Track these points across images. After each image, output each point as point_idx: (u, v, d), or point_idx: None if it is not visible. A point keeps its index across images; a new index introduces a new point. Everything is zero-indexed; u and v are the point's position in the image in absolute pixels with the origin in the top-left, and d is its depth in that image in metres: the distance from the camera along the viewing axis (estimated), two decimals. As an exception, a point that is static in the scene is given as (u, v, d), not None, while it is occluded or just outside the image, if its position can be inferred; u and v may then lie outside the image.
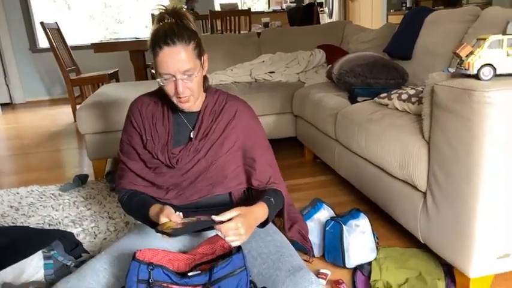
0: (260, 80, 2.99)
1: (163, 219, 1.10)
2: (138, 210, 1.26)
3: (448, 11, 2.24)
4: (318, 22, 5.21)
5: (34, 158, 3.14)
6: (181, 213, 1.13)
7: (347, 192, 2.16)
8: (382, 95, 1.85)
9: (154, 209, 1.19)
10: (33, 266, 1.38)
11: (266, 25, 5.15)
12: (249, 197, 1.39)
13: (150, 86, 2.95)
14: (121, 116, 2.44)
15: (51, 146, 3.46)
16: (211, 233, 1.29)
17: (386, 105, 1.80)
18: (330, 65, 2.70)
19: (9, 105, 5.70)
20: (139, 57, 4.10)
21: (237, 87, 2.81)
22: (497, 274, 1.25)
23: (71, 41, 4.87)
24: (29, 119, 4.76)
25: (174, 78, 1.18)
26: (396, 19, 5.27)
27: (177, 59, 1.16)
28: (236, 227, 1.07)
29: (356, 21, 6.22)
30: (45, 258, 1.42)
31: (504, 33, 1.72)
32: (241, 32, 4.36)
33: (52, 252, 1.43)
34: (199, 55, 1.23)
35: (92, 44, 4.02)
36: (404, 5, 5.57)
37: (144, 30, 6.68)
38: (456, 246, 1.23)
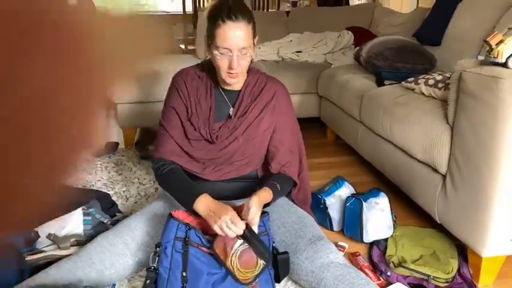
0: (287, 59, 3.03)
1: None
2: (181, 190, 1.30)
3: (481, -2, 2.23)
4: (347, 3, 5.16)
5: (66, 124, 3.28)
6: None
7: (368, 173, 2.22)
8: (409, 79, 1.88)
9: (204, 202, 1.22)
10: (74, 221, 1.51)
11: (294, 4, 5.13)
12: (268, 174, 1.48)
13: (179, 59, 3.03)
14: (152, 88, 2.53)
15: (81, 114, 3.59)
16: (237, 201, 1.39)
17: (413, 89, 1.83)
18: (357, 47, 2.72)
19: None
20: (169, 31, 4.17)
21: (264, 65, 2.86)
22: (509, 256, 1.32)
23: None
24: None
25: (231, 54, 1.24)
26: (427, 2, 5.17)
27: (238, 35, 1.22)
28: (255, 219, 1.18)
29: (385, 4, 6.11)
30: (85, 214, 1.54)
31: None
32: (270, 10, 4.37)
33: (91, 210, 1.55)
34: (254, 36, 1.30)
35: (122, 16, 4.10)
36: (436, -12, 5.44)
37: (169, 4, 6.71)
38: (471, 226, 1.29)
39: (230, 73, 1.27)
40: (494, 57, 1.19)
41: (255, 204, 1.17)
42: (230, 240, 1.16)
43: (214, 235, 1.18)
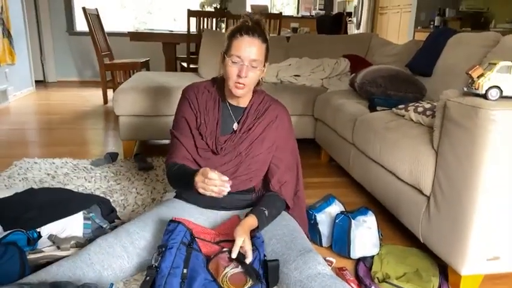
0: (285, 82, 3.14)
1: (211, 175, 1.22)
2: (184, 176, 1.37)
3: (470, 35, 2.37)
4: (346, 32, 5.34)
5: (65, 133, 3.36)
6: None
7: (358, 194, 2.30)
8: (400, 106, 1.99)
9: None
10: (75, 224, 1.57)
11: (295, 30, 5.31)
12: (264, 189, 1.56)
13: (180, 77, 3.14)
14: (154, 102, 2.62)
15: (81, 124, 3.67)
16: (232, 212, 1.47)
17: (403, 116, 1.94)
18: (353, 74, 2.85)
19: (42, 83, 5.97)
20: (171, 49, 4.30)
21: (263, 86, 2.97)
22: (487, 275, 1.39)
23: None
24: (60, 97, 5.01)
25: (242, 63, 1.35)
26: (422, 36, 5.35)
27: (252, 48, 1.35)
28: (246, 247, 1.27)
29: (383, 35, 6.33)
30: (85, 218, 1.60)
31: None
32: (271, 34, 4.53)
33: (91, 214, 1.61)
34: (266, 58, 1.42)
35: (128, 32, 4.24)
36: (432, 23, 5.66)
37: (172, 23, 6.89)
38: (452, 245, 1.37)
39: (238, 83, 1.37)
40: (475, 88, 1.30)
41: (238, 234, 1.28)
42: (223, 261, 1.25)
43: (209, 257, 1.28)
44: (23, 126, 3.57)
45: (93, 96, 5.04)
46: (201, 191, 1.25)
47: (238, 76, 1.36)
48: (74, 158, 2.67)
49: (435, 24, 5.58)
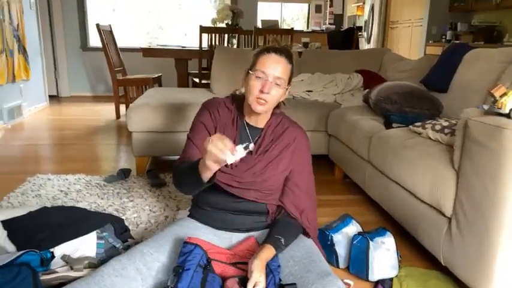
0: (298, 98, 3.13)
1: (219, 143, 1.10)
2: (189, 166, 1.28)
3: (487, 50, 2.34)
4: (357, 47, 5.34)
5: (79, 149, 3.38)
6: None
7: (374, 212, 2.25)
8: (416, 124, 1.96)
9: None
10: (88, 244, 1.55)
11: (306, 45, 5.32)
12: (279, 213, 1.52)
13: (193, 93, 3.15)
14: (168, 118, 2.62)
15: (93, 140, 3.69)
16: (244, 234, 1.45)
17: (420, 133, 1.90)
18: (367, 90, 2.82)
19: (55, 98, 6.05)
20: (184, 65, 4.33)
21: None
22: (513, 301, 1.34)
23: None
24: (74, 112, 5.05)
25: (266, 79, 1.34)
26: (434, 50, 5.35)
27: (277, 65, 1.35)
28: (261, 281, 1.21)
29: (394, 49, 6.31)
30: (98, 238, 1.58)
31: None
32: (282, 49, 4.53)
33: (104, 234, 1.60)
34: (289, 80, 1.41)
35: (140, 48, 4.29)
36: (444, 37, 5.63)
37: (183, 38, 6.96)
38: (477, 271, 1.32)
39: (259, 98, 1.35)
40: (498, 108, 1.26)
41: (256, 268, 1.22)
42: (234, 285, 1.22)
43: (225, 278, 1.26)
44: (36, 142, 3.60)
45: (106, 111, 5.08)
46: (208, 147, 1.11)
47: (261, 91, 1.35)
48: (87, 174, 2.67)
49: (447, 38, 5.55)
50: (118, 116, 4.65)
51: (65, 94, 6.25)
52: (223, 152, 1.10)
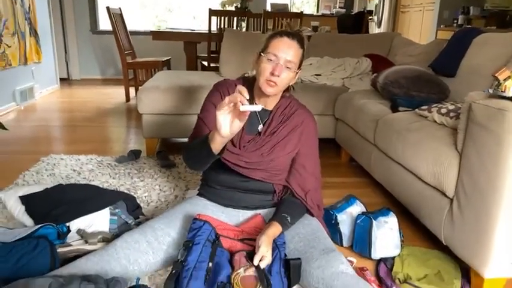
0: (306, 81, 3.15)
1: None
2: (200, 141, 1.31)
3: (496, 35, 2.33)
4: (367, 31, 5.30)
5: (89, 131, 3.45)
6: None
7: (379, 195, 2.30)
8: (423, 107, 1.98)
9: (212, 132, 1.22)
10: (101, 219, 1.62)
11: (315, 29, 5.29)
12: (285, 193, 1.57)
13: (202, 76, 3.18)
14: (177, 101, 2.67)
15: (104, 122, 3.76)
16: (252, 211, 1.50)
17: (426, 117, 1.93)
18: (375, 74, 2.83)
19: (66, 80, 6.12)
20: (193, 48, 4.35)
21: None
22: (510, 279, 1.38)
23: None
24: (84, 95, 5.12)
25: (277, 61, 1.36)
26: (445, 35, 5.29)
27: (289, 49, 1.38)
28: (267, 256, 1.27)
29: (404, 33, 6.25)
30: (111, 214, 1.65)
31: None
32: (291, 33, 4.52)
33: (117, 210, 1.66)
34: (300, 64, 1.43)
35: (150, 31, 4.31)
36: (455, 21, 5.56)
37: (192, 21, 6.94)
38: (475, 248, 1.36)
39: (270, 80, 1.39)
40: (502, 91, 1.29)
41: (263, 243, 1.28)
42: (241, 261, 1.27)
43: (232, 252, 1.32)
44: (48, 123, 3.67)
45: (116, 94, 5.14)
46: (227, 99, 1.13)
47: (272, 74, 1.38)
48: (98, 154, 2.73)
49: (459, 22, 5.48)
50: (128, 98, 4.71)
51: (76, 77, 6.32)
52: (242, 96, 1.09)
